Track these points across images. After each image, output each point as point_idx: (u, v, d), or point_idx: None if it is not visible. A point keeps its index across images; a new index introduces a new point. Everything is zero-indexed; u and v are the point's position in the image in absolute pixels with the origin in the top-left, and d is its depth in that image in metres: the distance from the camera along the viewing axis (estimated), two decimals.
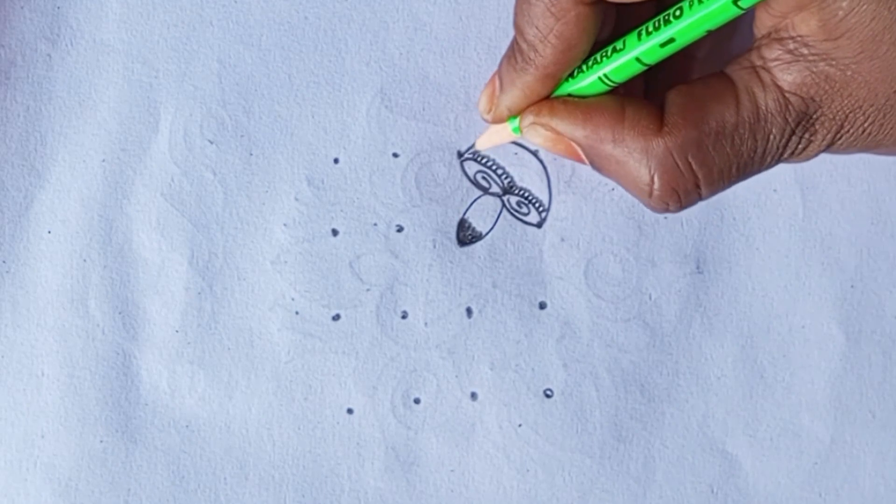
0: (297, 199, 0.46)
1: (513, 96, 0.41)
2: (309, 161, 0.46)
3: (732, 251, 0.48)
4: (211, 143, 0.46)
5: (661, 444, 0.47)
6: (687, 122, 0.38)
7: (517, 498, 0.47)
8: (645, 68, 0.39)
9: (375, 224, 0.47)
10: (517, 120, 0.42)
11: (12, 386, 0.46)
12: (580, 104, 0.40)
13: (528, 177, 0.47)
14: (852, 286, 0.48)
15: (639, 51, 0.39)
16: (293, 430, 0.47)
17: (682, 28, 0.38)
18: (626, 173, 0.39)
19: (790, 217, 0.48)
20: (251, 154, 0.46)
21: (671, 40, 0.38)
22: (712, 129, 0.38)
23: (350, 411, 0.47)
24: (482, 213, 0.47)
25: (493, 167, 0.47)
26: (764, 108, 0.38)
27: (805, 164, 0.47)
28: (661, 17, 0.38)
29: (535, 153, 0.47)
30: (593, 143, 0.40)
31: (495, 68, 0.46)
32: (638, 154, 0.39)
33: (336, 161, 0.47)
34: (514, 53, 0.40)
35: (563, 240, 0.47)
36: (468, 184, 0.47)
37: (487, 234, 0.47)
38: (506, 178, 0.47)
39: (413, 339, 0.47)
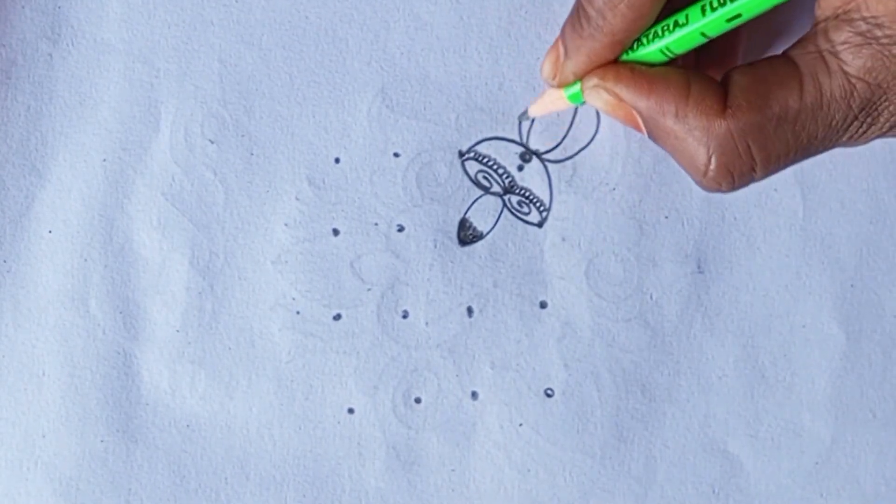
0: (298, 199, 0.46)
1: (578, 62, 0.41)
2: (310, 161, 0.46)
3: (733, 251, 0.48)
4: (212, 142, 0.46)
5: (663, 444, 0.47)
6: (750, 105, 0.38)
7: (518, 498, 0.47)
8: (706, 40, 0.39)
9: (376, 224, 0.47)
10: (574, 88, 0.42)
11: (13, 385, 0.46)
12: (646, 74, 0.40)
13: (529, 176, 0.47)
14: (852, 285, 0.48)
15: (703, 25, 0.38)
16: (294, 430, 0.47)
17: (750, 4, 0.37)
18: (684, 150, 0.39)
19: (790, 217, 0.48)
20: (252, 154, 0.46)
21: (738, 15, 0.38)
22: (775, 114, 0.38)
23: (351, 411, 0.47)
24: (483, 213, 0.47)
25: (494, 167, 0.47)
26: (828, 94, 0.38)
27: (805, 164, 0.47)
28: None
29: (535, 152, 0.47)
30: (655, 115, 0.39)
31: (496, 67, 0.46)
32: (699, 133, 0.38)
33: (337, 161, 0.47)
34: (580, 20, 0.40)
35: (564, 239, 0.47)
36: (469, 183, 0.47)
37: (488, 233, 0.47)
38: (507, 177, 0.47)
39: (414, 338, 0.47)
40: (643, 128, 0.40)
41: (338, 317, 0.47)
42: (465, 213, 0.47)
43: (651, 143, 0.46)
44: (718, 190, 0.40)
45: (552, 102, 0.44)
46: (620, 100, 0.40)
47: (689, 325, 0.47)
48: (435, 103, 0.47)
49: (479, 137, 0.47)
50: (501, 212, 0.47)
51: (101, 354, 0.46)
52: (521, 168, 0.47)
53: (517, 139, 0.47)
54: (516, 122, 0.47)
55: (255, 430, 0.47)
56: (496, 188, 0.47)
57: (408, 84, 0.47)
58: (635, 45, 0.40)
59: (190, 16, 0.46)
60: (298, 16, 0.46)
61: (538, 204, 0.47)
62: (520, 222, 0.47)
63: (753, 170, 0.39)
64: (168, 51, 0.46)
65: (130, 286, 0.46)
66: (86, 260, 0.46)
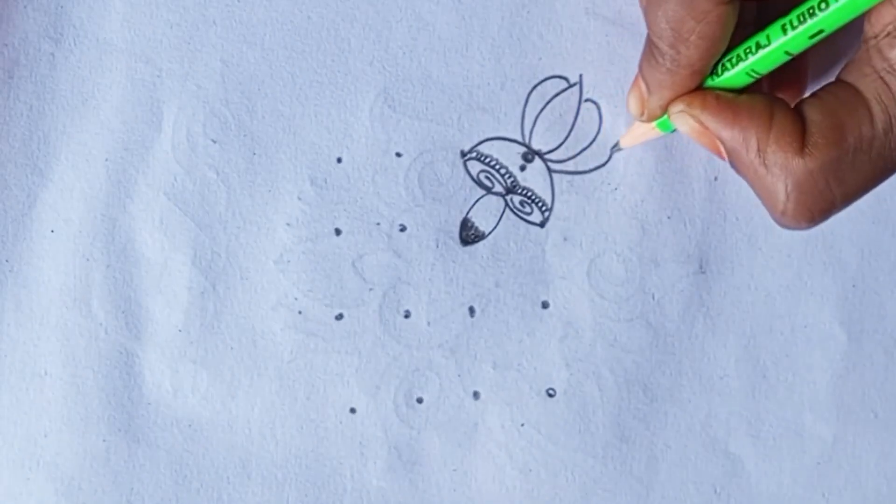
0: (300, 199, 0.46)
1: (662, 96, 0.41)
2: (312, 160, 0.46)
3: (735, 251, 0.48)
4: (214, 142, 0.46)
5: (664, 444, 0.48)
6: (827, 142, 0.38)
7: (519, 498, 0.47)
8: (790, 58, 0.39)
9: (378, 223, 0.47)
10: (662, 117, 0.42)
11: (15, 385, 0.46)
12: (730, 102, 0.40)
13: (531, 176, 0.47)
14: (854, 286, 0.48)
15: (786, 43, 0.39)
16: (296, 430, 0.47)
17: (830, 18, 0.37)
18: (763, 185, 0.39)
19: None
20: (254, 153, 0.46)
21: (820, 31, 0.38)
22: (850, 147, 0.38)
23: (353, 411, 0.47)
24: (485, 213, 0.47)
25: (497, 167, 0.47)
26: None
27: None
28: (804, 10, 0.38)
29: (537, 152, 0.47)
30: (737, 146, 0.39)
31: (498, 67, 0.46)
32: (778, 170, 0.38)
33: (339, 160, 0.47)
34: (655, 55, 0.40)
35: (565, 239, 0.47)
36: (471, 183, 0.47)
37: (490, 233, 0.47)
38: (509, 177, 0.47)
39: (416, 338, 0.47)
40: (725, 157, 0.40)
41: (340, 316, 0.47)
42: (467, 212, 0.47)
43: (652, 144, 0.47)
44: (797, 227, 0.40)
45: (643, 133, 0.44)
46: (705, 127, 0.40)
47: (691, 325, 0.48)
48: (437, 103, 0.47)
49: (482, 137, 0.47)
50: (503, 212, 0.47)
51: (102, 354, 0.46)
52: (523, 168, 0.47)
53: (519, 139, 0.47)
54: (519, 122, 0.47)
55: (256, 429, 0.47)
56: (498, 188, 0.47)
57: (410, 84, 0.47)
58: (720, 70, 0.40)
59: (192, 15, 0.46)
60: (301, 15, 0.46)
61: (540, 204, 0.47)
62: (522, 222, 0.47)
63: (833, 204, 0.39)
64: (170, 50, 0.46)
65: (132, 286, 0.46)
66: (88, 259, 0.46)
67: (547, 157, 0.47)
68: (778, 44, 0.39)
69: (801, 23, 0.38)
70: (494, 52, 0.47)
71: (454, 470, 0.47)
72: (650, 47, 0.40)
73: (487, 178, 0.47)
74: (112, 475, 0.46)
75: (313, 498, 0.47)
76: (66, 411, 0.46)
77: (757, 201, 0.47)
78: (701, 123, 0.40)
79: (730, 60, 0.40)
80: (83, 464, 0.46)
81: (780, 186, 0.39)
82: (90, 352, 0.46)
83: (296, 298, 0.47)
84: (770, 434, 0.48)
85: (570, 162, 0.47)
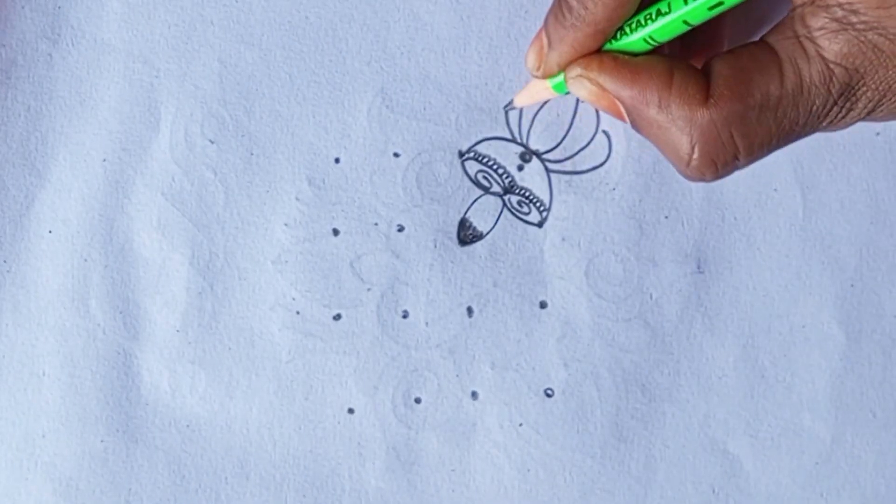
0: (298, 199, 0.46)
1: (562, 52, 0.41)
2: (310, 161, 0.46)
3: (733, 251, 0.48)
4: (212, 142, 0.46)
5: (662, 444, 0.47)
6: (732, 94, 0.38)
7: (518, 497, 0.47)
8: (689, 28, 0.39)
9: (376, 224, 0.47)
10: (558, 78, 0.42)
11: (13, 386, 0.46)
12: (629, 63, 0.40)
13: (528, 176, 0.47)
14: (852, 285, 0.48)
15: (685, 13, 0.39)
16: (294, 430, 0.47)
17: None
18: (667, 139, 0.39)
19: (790, 217, 0.48)
20: (252, 154, 0.46)
21: (719, 3, 0.38)
22: (756, 102, 0.38)
23: (351, 411, 0.47)
24: (483, 213, 0.47)
25: (494, 167, 0.47)
26: (808, 80, 0.38)
27: (805, 164, 0.47)
28: None
29: (535, 152, 0.47)
30: (638, 104, 0.39)
31: (496, 67, 0.46)
32: (681, 122, 0.39)
33: (337, 161, 0.47)
34: (563, 10, 0.40)
35: (563, 239, 0.47)
36: (469, 183, 0.47)
37: (488, 233, 0.47)
38: (507, 177, 0.47)
39: (414, 338, 0.47)
40: (626, 117, 0.40)
41: (338, 317, 0.47)
42: (465, 213, 0.47)
43: (650, 144, 0.46)
44: (702, 179, 0.40)
45: (537, 92, 0.44)
46: (603, 89, 0.40)
47: (689, 325, 0.47)
48: (435, 103, 0.47)
49: (479, 137, 0.47)
50: (501, 212, 0.47)
51: (101, 354, 0.46)
52: (520, 168, 0.47)
53: (516, 138, 0.47)
54: (514, 118, 0.47)
55: (255, 430, 0.47)
56: (496, 188, 0.47)
57: (408, 84, 0.47)
58: (618, 35, 0.40)
59: (190, 16, 0.46)
60: (298, 16, 0.46)
61: (538, 204, 0.47)
62: (520, 222, 0.47)
63: (737, 158, 0.39)
64: (168, 51, 0.46)
65: (130, 286, 0.46)
66: (86, 260, 0.46)
67: (545, 156, 0.47)
68: (678, 14, 0.39)
69: None
70: (492, 52, 0.47)
71: (452, 470, 0.47)
72: (559, 1, 0.40)
73: (485, 178, 0.47)
74: (110, 475, 0.46)
75: (311, 498, 0.47)
76: (64, 412, 0.46)
77: (756, 201, 0.47)
78: (599, 86, 0.40)
79: (629, 25, 0.40)
80: (81, 464, 0.46)
81: (685, 139, 0.39)
82: (88, 352, 0.46)
83: (294, 299, 0.47)
84: (768, 434, 0.48)
85: (568, 162, 0.47)
